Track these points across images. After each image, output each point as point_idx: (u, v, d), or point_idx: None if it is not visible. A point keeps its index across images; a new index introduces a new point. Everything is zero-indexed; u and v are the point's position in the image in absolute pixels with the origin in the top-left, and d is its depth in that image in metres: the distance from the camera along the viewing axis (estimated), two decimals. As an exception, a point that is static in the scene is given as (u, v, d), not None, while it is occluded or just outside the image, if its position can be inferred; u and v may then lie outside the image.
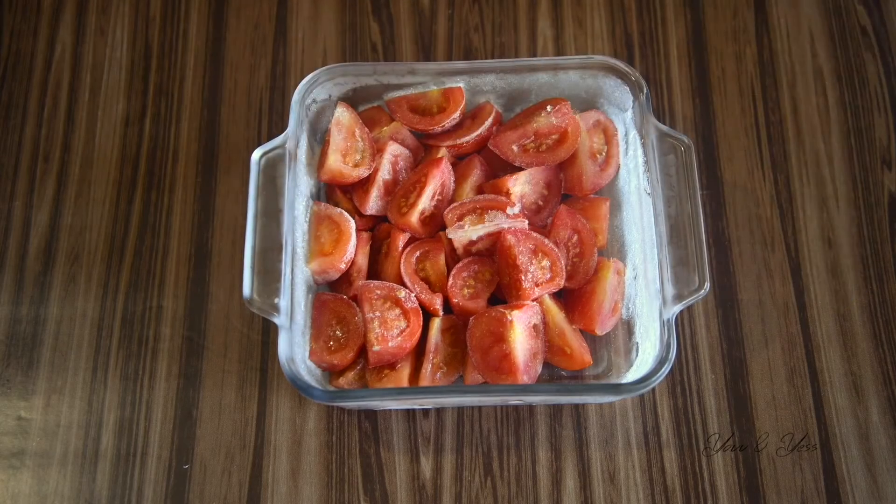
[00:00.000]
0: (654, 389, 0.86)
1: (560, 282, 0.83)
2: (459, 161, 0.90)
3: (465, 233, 0.83)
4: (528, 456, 0.84)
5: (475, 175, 0.88)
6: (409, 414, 0.85)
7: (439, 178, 0.85)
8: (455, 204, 0.85)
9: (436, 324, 0.83)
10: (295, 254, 0.81)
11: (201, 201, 0.95)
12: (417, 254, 0.85)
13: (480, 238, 0.83)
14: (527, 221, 0.84)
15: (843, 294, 0.90)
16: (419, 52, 1.01)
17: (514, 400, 0.82)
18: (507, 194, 0.84)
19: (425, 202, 0.85)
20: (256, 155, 0.81)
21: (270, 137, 0.83)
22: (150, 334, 0.89)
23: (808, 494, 0.82)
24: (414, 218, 0.84)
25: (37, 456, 0.85)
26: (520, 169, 0.87)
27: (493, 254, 0.84)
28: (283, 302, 0.77)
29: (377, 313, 0.80)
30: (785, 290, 0.90)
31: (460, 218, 0.84)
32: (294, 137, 0.83)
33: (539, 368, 0.81)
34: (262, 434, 0.85)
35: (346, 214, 0.84)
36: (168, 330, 0.89)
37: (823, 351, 0.88)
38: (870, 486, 0.82)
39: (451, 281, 0.83)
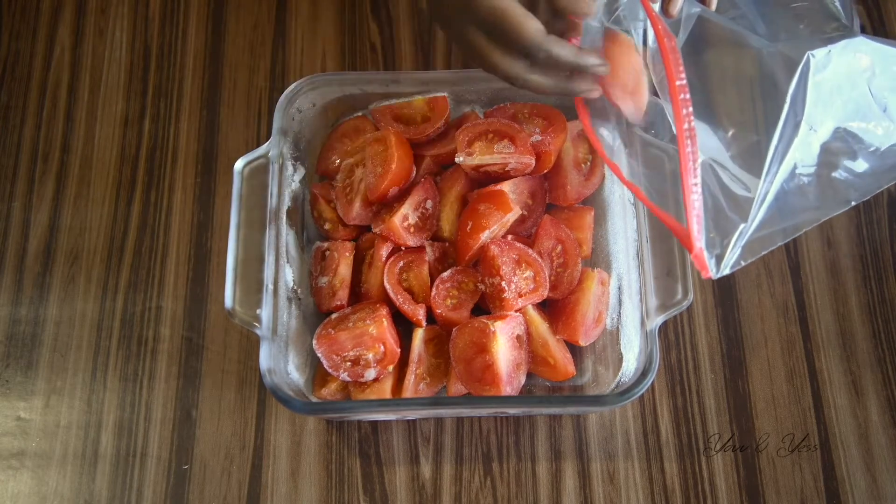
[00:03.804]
0: (653, 390, 0.86)
1: (543, 292, 0.82)
2: (444, 170, 0.90)
3: (472, 159, 0.83)
4: (528, 456, 0.84)
5: (460, 184, 0.87)
6: (409, 414, 0.86)
7: (422, 190, 0.86)
8: (468, 124, 0.84)
9: (419, 335, 0.82)
10: (277, 264, 0.81)
11: (201, 202, 0.95)
12: (401, 264, 0.85)
13: (488, 164, 0.83)
14: (534, 159, 0.83)
15: (842, 294, 0.90)
16: (418, 53, 1.01)
17: (497, 411, 0.82)
18: (505, 202, 0.83)
19: (408, 209, 0.84)
20: (239, 164, 0.81)
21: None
22: (149, 335, 0.89)
23: (807, 494, 0.82)
24: (397, 221, 0.83)
25: (36, 456, 0.85)
26: (504, 178, 0.86)
27: (494, 197, 0.83)
28: (264, 313, 0.77)
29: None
30: (784, 289, 0.90)
31: (470, 143, 0.83)
32: (277, 147, 0.83)
33: (522, 379, 0.81)
34: (261, 434, 0.85)
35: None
36: (167, 330, 0.89)
37: (823, 350, 0.88)
38: (869, 485, 0.82)
39: (434, 291, 0.83)
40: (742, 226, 0.63)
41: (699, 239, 0.62)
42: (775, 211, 0.63)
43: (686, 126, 0.62)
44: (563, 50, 0.65)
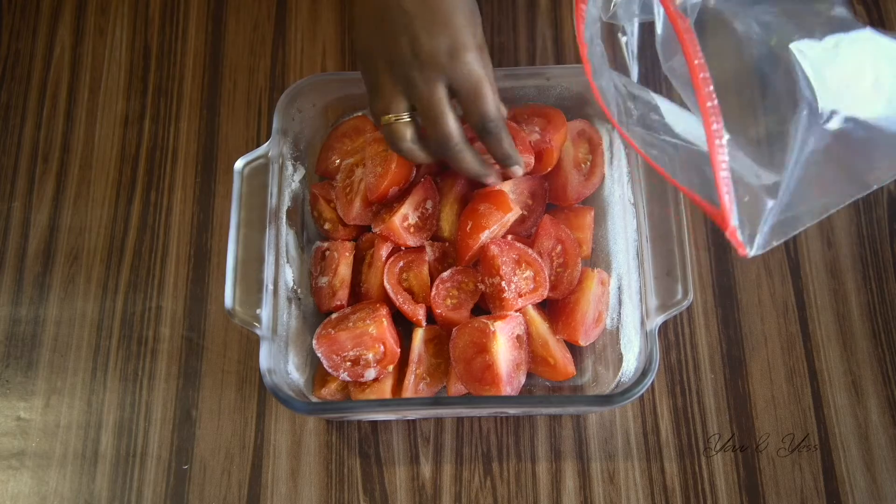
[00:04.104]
0: (653, 390, 0.86)
1: (543, 292, 0.82)
2: (444, 170, 0.90)
3: None
4: (528, 456, 0.84)
5: (460, 184, 0.87)
6: (409, 414, 0.86)
7: (422, 190, 0.85)
8: (468, 125, 0.84)
9: (419, 334, 0.82)
10: (277, 264, 0.81)
11: (201, 201, 0.95)
12: (401, 264, 0.85)
13: None
14: (533, 157, 0.83)
15: (842, 293, 0.90)
16: (418, 53, 1.01)
17: (497, 411, 0.82)
18: (505, 202, 0.83)
19: (408, 209, 0.84)
20: (239, 164, 0.81)
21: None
22: (149, 335, 0.89)
23: (807, 494, 0.82)
24: (397, 221, 0.83)
25: (36, 456, 0.85)
26: (505, 178, 0.86)
27: (494, 197, 0.83)
28: (264, 313, 0.77)
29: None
30: (784, 289, 0.90)
31: (473, 141, 0.84)
32: (277, 147, 0.83)
33: (522, 379, 0.81)
34: (261, 434, 0.85)
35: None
36: (167, 330, 0.89)
37: (823, 350, 0.88)
38: (869, 485, 0.82)
39: (434, 291, 0.83)
40: (770, 205, 0.63)
41: (733, 216, 0.62)
42: (797, 194, 0.64)
43: (710, 104, 0.62)
44: (507, 133, 0.76)
